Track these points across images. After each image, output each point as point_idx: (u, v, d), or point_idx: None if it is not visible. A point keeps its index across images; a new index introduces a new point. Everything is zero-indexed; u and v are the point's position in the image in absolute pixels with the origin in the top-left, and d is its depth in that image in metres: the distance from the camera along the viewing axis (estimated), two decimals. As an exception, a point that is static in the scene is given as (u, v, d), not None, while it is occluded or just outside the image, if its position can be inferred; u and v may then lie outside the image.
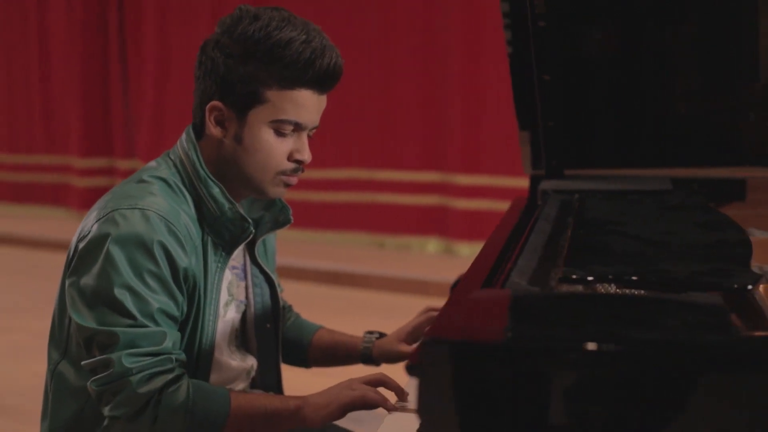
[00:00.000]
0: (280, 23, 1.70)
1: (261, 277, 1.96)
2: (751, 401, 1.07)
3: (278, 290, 1.99)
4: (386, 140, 7.37)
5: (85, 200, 8.51)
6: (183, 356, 1.69)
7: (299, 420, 1.67)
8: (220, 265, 1.78)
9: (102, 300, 1.62)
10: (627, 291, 1.35)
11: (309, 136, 1.80)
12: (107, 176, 8.52)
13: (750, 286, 1.35)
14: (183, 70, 7.72)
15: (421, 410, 1.10)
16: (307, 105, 1.74)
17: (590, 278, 1.37)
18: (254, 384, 1.97)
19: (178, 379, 1.63)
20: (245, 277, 1.93)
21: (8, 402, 4.14)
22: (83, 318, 1.63)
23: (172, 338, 1.65)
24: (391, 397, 1.73)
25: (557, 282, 1.38)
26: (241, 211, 1.78)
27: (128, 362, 1.60)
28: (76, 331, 1.68)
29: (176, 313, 1.69)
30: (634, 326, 1.16)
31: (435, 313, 2.04)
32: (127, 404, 1.61)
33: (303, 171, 1.80)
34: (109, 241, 1.62)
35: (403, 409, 1.68)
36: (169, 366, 1.64)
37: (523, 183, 2.56)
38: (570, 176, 2.41)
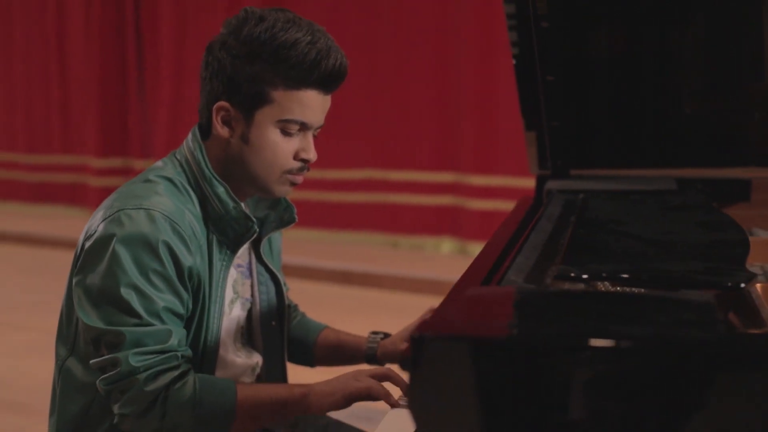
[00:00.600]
0: (286, 24, 1.73)
1: (266, 275, 1.98)
2: (742, 398, 1.08)
3: (284, 289, 2.01)
4: (400, 141, 7.38)
5: (102, 200, 8.49)
6: (189, 352, 1.71)
7: (304, 407, 1.70)
8: (224, 263, 1.80)
9: (108, 299, 1.65)
10: (621, 289, 1.37)
11: (314, 136, 1.82)
12: (124, 176, 8.55)
13: (743, 285, 1.36)
14: (199, 71, 7.70)
15: (412, 405, 1.12)
16: (313, 105, 1.77)
17: (585, 276, 1.38)
18: (259, 381, 1.99)
19: (184, 375, 1.66)
20: (251, 276, 1.95)
21: (23, 399, 4.17)
22: (90, 317, 1.66)
23: (177, 336, 1.68)
24: (396, 393, 1.76)
25: (553, 279, 1.40)
26: (246, 210, 1.80)
27: (135, 361, 1.62)
28: (83, 329, 1.71)
29: (181, 310, 1.71)
30: (625, 323, 1.17)
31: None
32: (135, 402, 1.64)
33: (308, 170, 1.83)
34: (114, 241, 1.65)
35: (407, 405, 1.70)
36: (175, 363, 1.66)
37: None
38: (575, 176, 2.42)
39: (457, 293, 1.37)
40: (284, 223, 1.94)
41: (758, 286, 1.61)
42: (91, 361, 1.68)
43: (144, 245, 1.65)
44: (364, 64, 7.26)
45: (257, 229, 1.83)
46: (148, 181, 1.76)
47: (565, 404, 1.09)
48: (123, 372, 1.63)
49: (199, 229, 1.75)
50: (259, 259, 1.96)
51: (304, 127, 1.78)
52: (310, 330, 2.14)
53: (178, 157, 1.82)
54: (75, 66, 9.19)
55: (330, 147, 7.43)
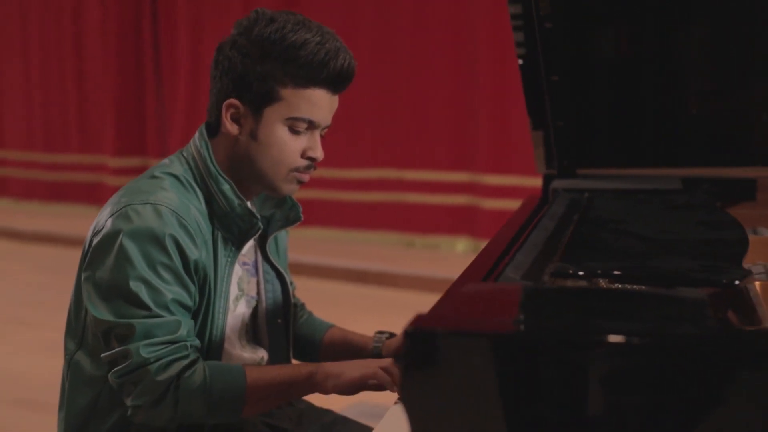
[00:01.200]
0: (295, 26, 1.76)
1: (272, 273, 2.00)
2: (732, 394, 1.08)
3: (290, 287, 2.03)
4: (416, 141, 7.39)
5: (117, 198, 8.56)
6: (197, 342, 1.75)
7: (311, 386, 1.73)
8: (229, 259, 1.83)
9: (117, 293, 1.68)
10: (616, 286, 1.38)
11: (321, 136, 1.85)
12: (141, 175, 8.58)
13: (737, 282, 1.38)
14: (215, 71, 7.74)
15: (405, 398, 1.13)
16: (321, 104, 1.79)
17: (581, 273, 1.40)
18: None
19: (193, 363, 1.69)
20: (256, 273, 1.97)
21: (39, 397, 4.22)
22: (99, 311, 1.69)
23: (186, 326, 1.71)
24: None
25: (550, 276, 1.42)
26: (250, 207, 1.83)
27: (145, 352, 1.66)
28: (93, 323, 1.74)
29: (189, 302, 1.74)
30: (613, 319, 1.19)
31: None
32: (147, 392, 1.67)
33: (315, 169, 1.85)
34: (122, 235, 1.68)
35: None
36: (185, 353, 1.69)
37: (549, 183, 2.58)
38: (582, 175, 2.43)
39: (454, 289, 1.38)
40: (290, 221, 1.97)
41: (757, 284, 1.63)
42: (102, 355, 1.71)
43: (151, 239, 1.68)
44: (380, 64, 7.28)
45: (261, 226, 1.85)
46: (154, 177, 1.79)
47: (555, 399, 1.10)
48: (134, 363, 1.66)
49: (204, 225, 1.78)
50: (265, 258, 1.99)
51: (311, 125, 1.80)
52: (316, 328, 2.16)
53: (185, 155, 1.85)
54: (92, 66, 9.24)
55: (346, 147, 7.47)
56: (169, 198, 1.73)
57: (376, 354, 2.08)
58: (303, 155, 1.82)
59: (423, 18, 7.25)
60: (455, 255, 7.27)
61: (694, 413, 1.08)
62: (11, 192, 10.02)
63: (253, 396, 1.71)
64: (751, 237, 1.99)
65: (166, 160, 1.87)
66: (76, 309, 1.83)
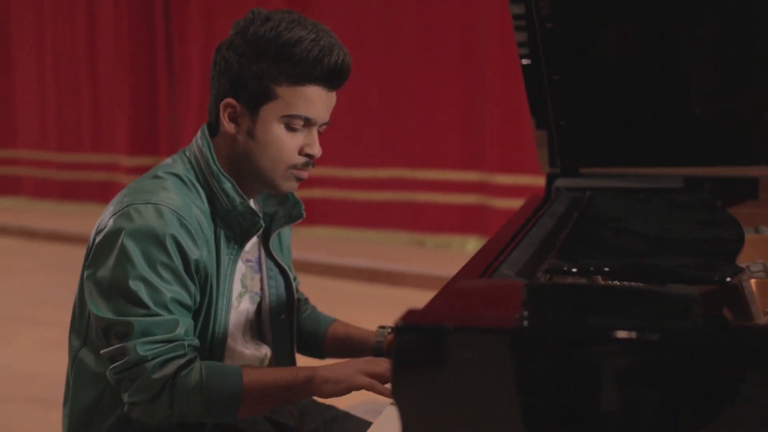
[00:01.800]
0: (290, 24, 1.78)
1: (276, 269, 2.02)
2: (723, 389, 1.09)
3: (293, 283, 2.05)
4: (426, 140, 7.39)
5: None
6: (196, 342, 1.77)
7: (309, 391, 1.75)
8: (232, 257, 1.85)
9: (118, 291, 1.70)
10: (610, 283, 1.39)
11: (319, 132, 1.87)
12: (153, 175, 8.59)
13: (728, 279, 1.39)
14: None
15: (395, 393, 1.14)
16: (317, 101, 1.81)
17: (575, 270, 1.41)
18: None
19: (190, 362, 1.71)
20: (260, 270, 2.00)
21: (48, 394, 4.25)
22: (100, 309, 1.72)
23: (184, 325, 1.73)
24: None
25: (543, 273, 1.43)
26: (252, 205, 1.85)
27: (143, 350, 1.68)
28: (94, 320, 1.76)
29: (189, 301, 1.76)
30: (609, 315, 1.20)
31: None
32: (144, 390, 1.69)
33: (313, 166, 1.87)
34: (123, 235, 1.71)
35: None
36: (182, 352, 1.72)
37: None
38: (585, 174, 2.44)
39: (449, 285, 1.40)
40: (292, 218, 1.99)
41: (753, 281, 1.64)
42: (102, 351, 1.74)
43: (152, 239, 1.71)
44: (390, 64, 7.29)
45: (263, 224, 1.87)
46: (156, 177, 1.82)
47: (547, 395, 1.11)
48: (131, 360, 1.68)
49: (206, 224, 1.80)
50: (269, 254, 2.01)
51: (308, 122, 1.82)
52: (320, 323, 2.17)
53: (187, 154, 1.88)
54: (105, 65, 9.27)
55: (356, 146, 7.49)
56: (171, 198, 1.75)
57: (378, 348, 2.09)
58: (301, 152, 1.84)
59: (432, 17, 7.25)
60: (466, 254, 7.26)
61: (690, 408, 1.09)
62: (25, 191, 10.05)
63: (249, 398, 1.73)
64: (752, 235, 2.00)
65: (168, 160, 1.89)
66: (80, 307, 1.85)
